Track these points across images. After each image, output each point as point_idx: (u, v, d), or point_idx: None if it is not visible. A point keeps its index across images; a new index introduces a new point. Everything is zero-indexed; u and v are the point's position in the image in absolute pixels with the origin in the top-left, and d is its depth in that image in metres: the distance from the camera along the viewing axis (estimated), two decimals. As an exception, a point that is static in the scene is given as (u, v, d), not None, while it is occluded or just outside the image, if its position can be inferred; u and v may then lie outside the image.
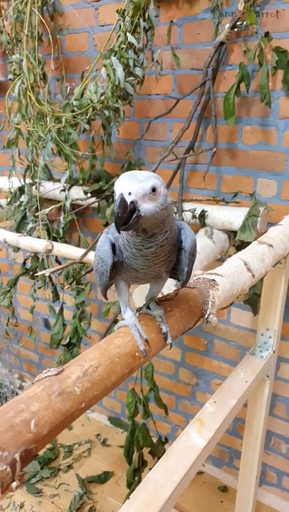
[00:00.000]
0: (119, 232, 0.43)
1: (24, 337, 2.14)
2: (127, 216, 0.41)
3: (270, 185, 1.35)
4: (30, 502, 1.64)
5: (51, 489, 1.70)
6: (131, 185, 0.42)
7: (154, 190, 0.42)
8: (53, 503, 1.64)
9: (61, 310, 1.27)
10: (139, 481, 1.31)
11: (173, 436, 1.84)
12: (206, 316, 0.59)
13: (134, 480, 1.25)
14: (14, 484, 0.33)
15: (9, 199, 1.51)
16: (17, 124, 1.33)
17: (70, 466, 1.82)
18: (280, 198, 1.34)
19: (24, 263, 1.35)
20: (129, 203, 0.41)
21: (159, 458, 1.20)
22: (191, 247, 0.49)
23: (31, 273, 1.35)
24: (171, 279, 0.55)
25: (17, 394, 2.06)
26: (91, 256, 1.04)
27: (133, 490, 1.20)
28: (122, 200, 0.41)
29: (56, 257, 1.32)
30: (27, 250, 1.32)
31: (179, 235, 0.49)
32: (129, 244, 0.46)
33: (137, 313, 0.53)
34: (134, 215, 0.42)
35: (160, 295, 0.58)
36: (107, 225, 1.54)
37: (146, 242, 0.45)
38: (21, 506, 1.63)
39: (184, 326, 0.56)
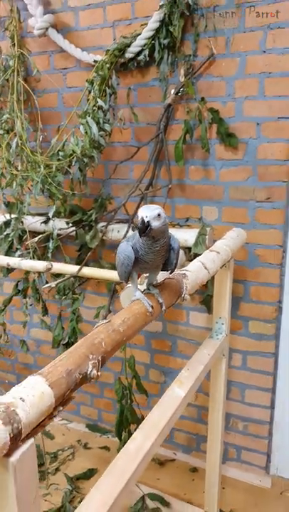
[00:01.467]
0: (140, 237, 0.73)
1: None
2: (145, 228, 0.72)
3: (212, 211, 1.73)
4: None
5: (43, 490, 1.88)
6: (147, 212, 0.73)
7: (159, 215, 0.74)
8: (46, 500, 1.82)
9: (59, 316, 1.53)
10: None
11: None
12: (182, 295, 0.91)
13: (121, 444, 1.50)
14: (99, 374, 0.61)
15: (-4, 232, 1.77)
16: (6, 168, 1.62)
17: (57, 469, 2.01)
18: (221, 220, 1.73)
19: (17, 285, 1.60)
20: (146, 222, 0.72)
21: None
22: (178, 248, 0.81)
23: (23, 293, 1.60)
24: (162, 271, 0.87)
25: None
26: (85, 271, 1.33)
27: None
28: (142, 220, 0.72)
29: (45, 278, 1.59)
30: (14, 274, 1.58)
31: (169, 241, 0.81)
32: (144, 246, 0.76)
33: (143, 292, 0.84)
34: (148, 228, 0.73)
35: (154, 282, 0.89)
36: (80, 249, 1.83)
37: (154, 244, 0.76)
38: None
39: (170, 301, 0.88)
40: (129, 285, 1.15)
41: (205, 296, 1.64)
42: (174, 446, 2.12)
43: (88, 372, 0.60)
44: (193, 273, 0.99)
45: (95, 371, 0.60)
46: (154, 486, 1.88)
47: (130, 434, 1.51)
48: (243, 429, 1.95)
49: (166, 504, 1.78)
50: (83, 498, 1.79)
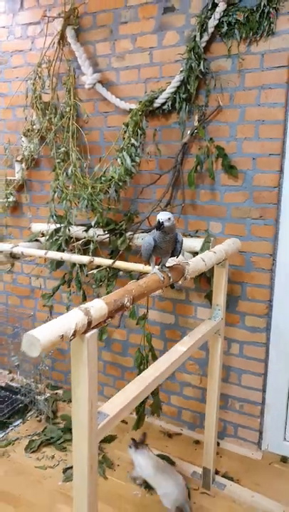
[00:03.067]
0: (156, 231, 1.20)
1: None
2: (160, 226, 1.18)
3: (217, 225, 2.19)
4: (58, 455, 2.24)
5: (69, 446, 2.31)
6: (162, 216, 1.20)
7: (169, 218, 1.20)
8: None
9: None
10: (144, 410, 1.99)
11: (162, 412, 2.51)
12: (185, 275, 1.37)
13: (141, 407, 1.93)
14: (130, 306, 1.07)
15: (47, 237, 2.27)
16: (57, 188, 2.12)
17: (83, 435, 2.43)
18: (224, 233, 2.17)
19: (64, 276, 2.07)
20: (161, 221, 1.19)
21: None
22: (181, 240, 1.27)
23: (68, 283, 2.08)
24: (171, 257, 1.33)
25: (35, 402, 2.68)
26: (117, 263, 1.80)
27: (140, 417, 1.89)
28: (159, 221, 1.19)
29: (86, 271, 2.07)
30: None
31: (176, 235, 1.27)
32: (160, 237, 1.22)
33: (157, 271, 1.30)
34: (162, 225, 1.19)
35: (167, 264, 1.35)
36: (112, 252, 2.30)
37: (166, 237, 1.22)
38: (52, 457, 2.23)
39: (176, 277, 1.33)
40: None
41: (208, 291, 2.07)
42: (181, 423, 2.51)
43: (125, 303, 1.05)
44: (193, 263, 1.45)
45: (128, 303, 1.06)
46: (163, 450, 2.28)
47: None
48: (239, 409, 2.33)
49: (172, 463, 2.17)
50: (105, 454, 2.21)
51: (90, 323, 0.93)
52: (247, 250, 2.12)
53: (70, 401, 2.71)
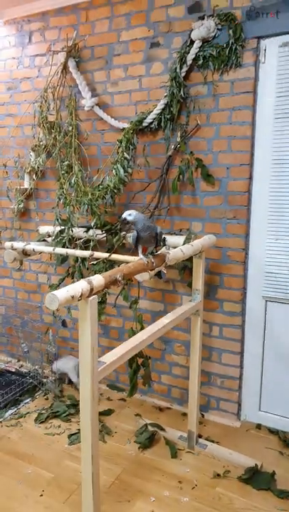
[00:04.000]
0: (123, 224, 1.59)
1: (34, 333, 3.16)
2: (123, 221, 1.57)
3: (198, 225, 2.57)
4: (64, 425, 2.58)
5: (76, 419, 2.66)
6: (125, 214, 1.58)
7: (130, 214, 1.58)
8: (78, 424, 2.60)
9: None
10: (136, 379, 2.36)
11: (152, 390, 2.87)
12: (165, 261, 1.74)
13: (134, 377, 2.29)
14: (122, 281, 1.44)
15: (53, 237, 2.64)
16: (61, 195, 2.51)
17: (85, 409, 2.79)
18: (204, 231, 2.54)
19: (67, 270, 2.44)
20: (123, 218, 1.57)
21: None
22: (159, 232, 1.64)
23: (72, 275, 2.46)
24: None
25: (43, 383, 3.04)
26: (112, 256, 2.17)
27: (134, 387, 2.27)
28: (122, 217, 1.57)
29: (86, 265, 2.44)
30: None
31: (155, 229, 1.64)
32: (141, 230, 1.60)
33: (143, 257, 1.68)
34: (126, 220, 1.57)
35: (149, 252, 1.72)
36: (109, 250, 2.67)
37: (145, 231, 1.61)
38: (59, 426, 2.58)
39: (158, 263, 1.71)
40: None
41: (190, 281, 2.45)
42: (171, 400, 2.87)
43: (117, 278, 1.42)
44: (173, 252, 1.82)
45: (120, 278, 1.43)
46: (155, 421, 2.63)
47: (137, 364, 2.31)
48: (220, 384, 2.69)
49: (162, 429, 2.53)
50: (104, 424, 2.56)
51: (92, 290, 1.30)
52: (223, 246, 2.50)
53: (72, 382, 3.07)
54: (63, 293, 1.22)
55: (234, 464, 2.26)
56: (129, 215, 1.60)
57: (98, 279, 1.33)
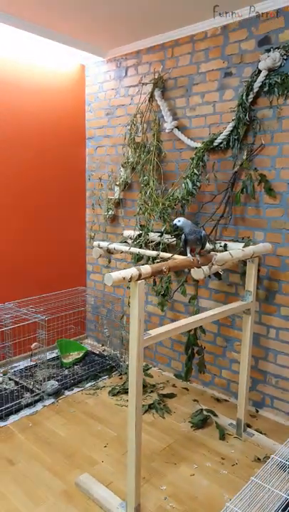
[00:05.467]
0: (174, 228, 1.95)
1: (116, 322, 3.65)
2: (173, 226, 1.93)
3: (260, 234, 2.82)
4: (131, 399, 3.04)
5: (143, 396, 3.07)
6: (175, 220, 1.94)
7: (179, 220, 1.94)
8: (145, 399, 3.02)
9: (160, 281, 2.80)
10: (191, 365, 2.70)
11: (213, 382, 3.17)
12: (212, 261, 2.07)
13: (189, 362, 2.64)
14: (166, 272, 1.82)
15: (133, 240, 3.13)
16: (141, 205, 2.98)
17: (152, 391, 3.19)
18: (265, 240, 2.79)
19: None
20: (173, 223, 1.93)
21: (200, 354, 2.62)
22: (204, 235, 1.98)
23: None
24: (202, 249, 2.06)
25: (119, 365, 3.54)
26: (175, 256, 2.57)
27: (188, 370, 2.64)
28: (173, 223, 1.94)
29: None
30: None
31: (200, 233, 1.99)
32: (188, 234, 1.96)
33: (190, 255, 2.04)
34: (175, 225, 1.93)
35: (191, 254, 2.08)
36: (181, 253, 3.06)
37: (190, 234, 1.97)
38: (127, 400, 3.02)
39: (204, 262, 2.05)
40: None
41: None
42: (229, 393, 3.12)
43: (163, 269, 1.81)
44: (221, 255, 2.15)
45: (165, 269, 1.82)
46: (211, 408, 2.93)
47: (193, 353, 2.65)
48: (275, 384, 2.88)
49: (215, 415, 2.82)
50: (166, 404, 2.94)
51: (140, 275, 1.72)
52: (283, 254, 2.72)
53: (146, 369, 3.50)
54: (117, 274, 1.65)
55: (275, 451, 2.45)
56: (178, 221, 1.98)
57: (146, 268, 1.74)
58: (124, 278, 1.66)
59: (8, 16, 2.90)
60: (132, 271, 1.70)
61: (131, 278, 1.69)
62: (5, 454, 2.42)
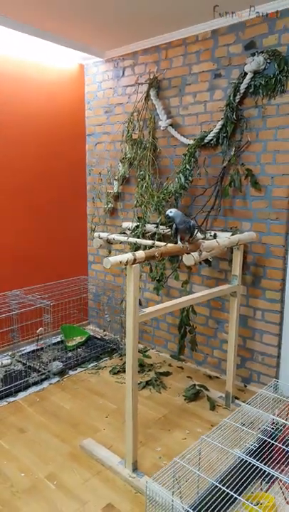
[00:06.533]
0: (167, 219, 2.19)
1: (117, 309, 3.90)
2: (167, 215, 2.17)
3: (247, 225, 3.06)
4: (130, 377, 3.32)
5: (141, 375, 3.36)
6: (167, 211, 2.19)
7: (171, 211, 2.17)
8: (142, 377, 3.29)
9: (155, 267, 3.05)
10: (184, 343, 2.96)
11: (206, 362, 3.44)
12: (200, 248, 2.32)
13: (181, 340, 2.90)
14: (158, 257, 2.07)
15: (131, 231, 3.37)
16: (138, 198, 3.22)
17: (150, 370, 3.46)
18: (251, 229, 3.04)
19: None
20: (166, 213, 2.17)
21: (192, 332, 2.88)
22: (193, 225, 2.23)
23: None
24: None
25: (119, 347, 3.80)
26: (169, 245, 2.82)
27: (181, 347, 2.91)
28: (166, 213, 2.18)
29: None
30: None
31: (189, 222, 2.23)
32: (179, 223, 2.21)
33: (180, 243, 2.28)
34: (168, 215, 2.18)
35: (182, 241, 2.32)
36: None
37: (181, 224, 2.21)
38: (126, 377, 3.30)
39: (192, 249, 2.30)
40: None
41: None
42: (220, 371, 3.39)
43: (155, 254, 2.06)
44: (208, 242, 2.40)
45: (157, 255, 2.07)
46: (203, 384, 3.20)
47: (185, 332, 2.92)
48: (261, 361, 3.14)
49: (207, 389, 3.09)
50: (162, 381, 3.21)
51: (135, 259, 1.97)
52: (267, 242, 2.97)
53: (144, 351, 3.77)
54: (114, 258, 1.91)
55: (259, 418, 2.73)
56: (170, 212, 2.23)
57: (140, 253, 2.00)
58: (120, 262, 1.92)
59: (21, 24, 3.14)
60: (127, 256, 1.95)
61: (127, 262, 1.94)
62: (16, 424, 2.70)
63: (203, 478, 1.79)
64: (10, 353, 3.64)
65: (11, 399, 3.00)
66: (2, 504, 2.06)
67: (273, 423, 2.30)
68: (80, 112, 4.09)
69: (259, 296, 3.07)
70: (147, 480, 1.80)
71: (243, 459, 1.91)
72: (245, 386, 3.21)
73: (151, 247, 2.95)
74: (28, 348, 3.79)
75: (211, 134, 3.07)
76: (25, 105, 3.59)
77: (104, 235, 3.26)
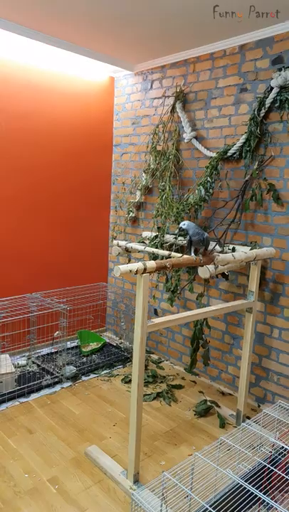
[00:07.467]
0: (180, 231, 2.18)
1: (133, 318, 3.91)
2: (180, 228, 2.17)
3: (267, 240, 3.01)
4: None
5: (152, 386, 3.33)
6: (181, 224, 2.18)
7: (184, 223, 2.17)
8: (154, 388, 3.27)
9: (171, 278, 3.05)
10: (196, 357, 2.92)
11: (220, 377, 3.38)
12: (214, 261, 2.30)
13: (194, 354, 2.87)
14: (170, 268, 2.07)
15: (150, 240, 3.39)
16: (159, 209, 3.24)
17: (162, 382, 3.44)
18: (272, 245, 2.99)
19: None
20: (179, 226, 2.17)
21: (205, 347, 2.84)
22: (206, 237, 2.22)
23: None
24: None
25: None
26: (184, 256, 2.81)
27: (193, 361, 2.88)
28: (180, 226, 2.18)
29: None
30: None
31: (203, 235, 2.22)
32: (192, 235, 2.20)
33: (194, 255, 2.27)
34: (181, 228, 2.17)
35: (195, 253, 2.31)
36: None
37: (194, 235, 2.20)
38: (138, 387, 3.29)
39: (206, 262, 2.28)
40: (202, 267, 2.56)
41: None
42: (234, 388, 3.32)
43: (166, 265, 2.06)
44: (223, 256, 2.38)
45: (168, 265, 2.06)
46: (215, 400, 3.14)
47: (198, 346, 2.88)
48: (276, 381, 3.06)
49: (218, 406, 3.03)
50: (173, 394, 3.18)
51: (145, 269, 1.98)
52: (288, 259, 2.91)
53: (158, 362, 3.76)
54: (124, 267, 1.92)
55: (270, 442, 2.65)
56: (183, 224, 2.23)
57: (151, 263, 2.00)
58: (130, 270, 1.93)
59: (58, 39, 3.26)
60: (138, 265, 1.96)
61: (137, 271, 1.95)
62: (25, 424, 2.73)
63: (195, 499, 1.75)
64: (27, 354, 3.71)
65: (23, 399, 3.04)
66: (4, 503, 2.08)
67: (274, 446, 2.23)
68: (108, 123, 4.18)
69: (277, 314, 3.00)
70: (132, 492, 1.78)
71: (239, 483, 1.85)
72: (259, 406, 3.12)
73: (168, 257, 2.95)
74: (44, 351, 3.85)
75: (234, 148, 3.06)
76: (57, 115, 3.70)
77: (122, 243, 3.29)
